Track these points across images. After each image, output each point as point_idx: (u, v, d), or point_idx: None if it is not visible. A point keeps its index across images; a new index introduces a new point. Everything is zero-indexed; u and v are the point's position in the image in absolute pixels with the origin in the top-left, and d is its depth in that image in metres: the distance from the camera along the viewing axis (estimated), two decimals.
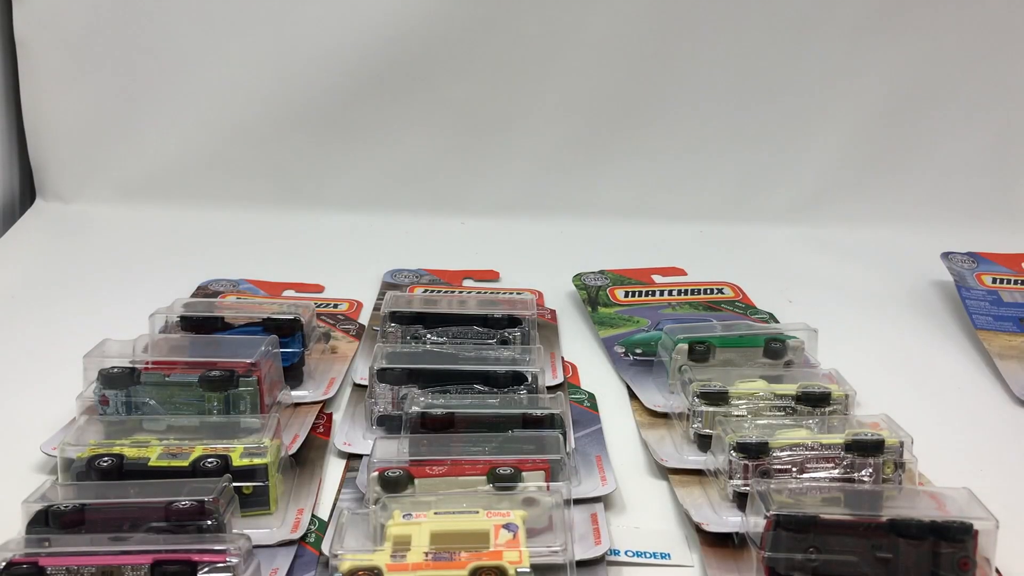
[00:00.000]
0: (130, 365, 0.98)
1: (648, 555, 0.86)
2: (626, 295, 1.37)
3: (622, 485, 0.96)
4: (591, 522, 0.88)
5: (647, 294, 1.38)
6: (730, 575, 0.82)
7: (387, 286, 1.43)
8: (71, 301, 1.39)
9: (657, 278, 1.43)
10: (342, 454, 1.00)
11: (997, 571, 0.83)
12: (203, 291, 1.39)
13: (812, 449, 0.90)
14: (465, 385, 1.01)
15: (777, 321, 1.31)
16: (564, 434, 0.93)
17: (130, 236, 1.64)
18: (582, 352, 1.25)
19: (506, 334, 1.15)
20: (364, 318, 1.34)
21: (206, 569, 0.70)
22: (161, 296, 1.31)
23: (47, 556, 0.71)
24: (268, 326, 1.09)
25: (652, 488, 0.97)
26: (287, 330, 1.10)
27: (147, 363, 0.99)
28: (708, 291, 1.39)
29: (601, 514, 0.89)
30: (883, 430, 0.92)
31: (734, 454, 0.89)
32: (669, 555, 0.87)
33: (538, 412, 0.93)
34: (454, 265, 1.51)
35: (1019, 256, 1.48)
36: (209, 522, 0.77)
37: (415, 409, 0.94)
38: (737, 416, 0.99)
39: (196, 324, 1.10)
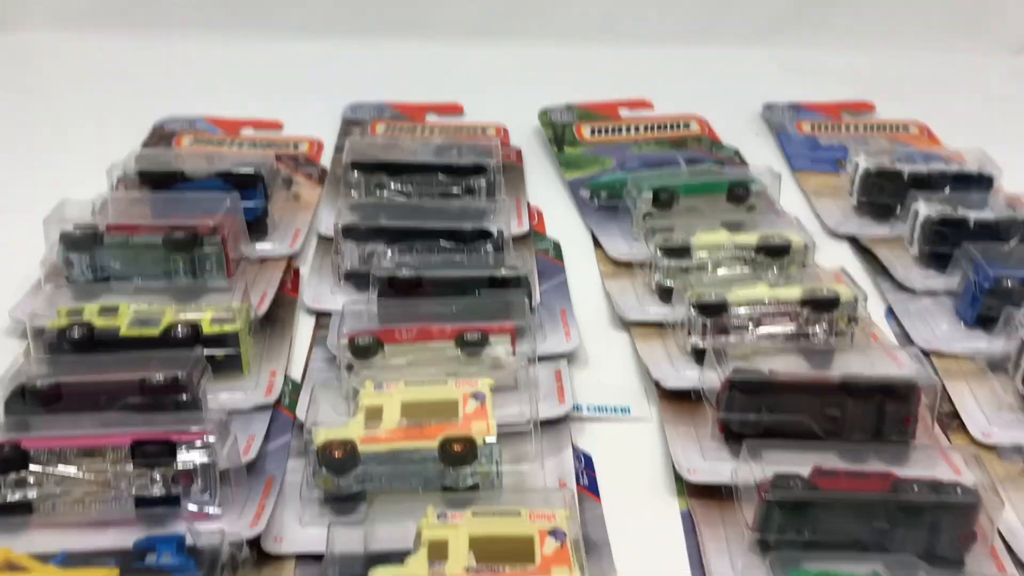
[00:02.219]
0: (92, 227, 0.98)
1: (609, 410, 0.91)
2: (592, 133, 1.36)
3: (585, 338, 0.99)
4: (555, 379, 0.91)
5: (614, 131, 1.36)
6: (686, 427, 0.87)
7: (348, 123, 1.41)
8: (19, 146, 1.35)
9: (624, 112, 1.42)
10: (312, 311, 1.02)
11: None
12: (159, 132, 1.35)
13: (769, 305, 0.93)
14: (431, 242, 1.02)
15: (743, 160, 1.31)
16: (530, 295, 0.95)
17: (76, 68, 1.57)
18: (548, 196, 1.25)
19: (471, 183, 1.15)
20: (326, 159, 1.32)
21: (184, 448, 0.73)
22: (116, 138, 1.30)
23: (29, 438, 0.73)
24: (229, 181, 1.08)
25: (614, 341, 1.00)
26: (249, 184, 1.09)
27: (108, 225, 0.98)
28: (674, 127, 1.38)
29: (565, 371, 0.93)
30: (840, 284, 0.95)
31: (693, 311, 0.92)
32: (629, 409, 0.91)
33: (504, 273, 0.95)
34: (416, 96, 1.48)
35: (838, 105, 1.49)
36: (184, 397, 0.79)
37: (383, 271, 0.94)
38: (698, 268, 1.02)
39: (155, 180, 1.08)
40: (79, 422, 0.75)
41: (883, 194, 1.18)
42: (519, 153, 1.34)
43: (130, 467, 0.73)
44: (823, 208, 1.22)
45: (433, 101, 1.46)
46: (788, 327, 0.93)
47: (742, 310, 0.93)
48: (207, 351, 0.86)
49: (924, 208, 1.09)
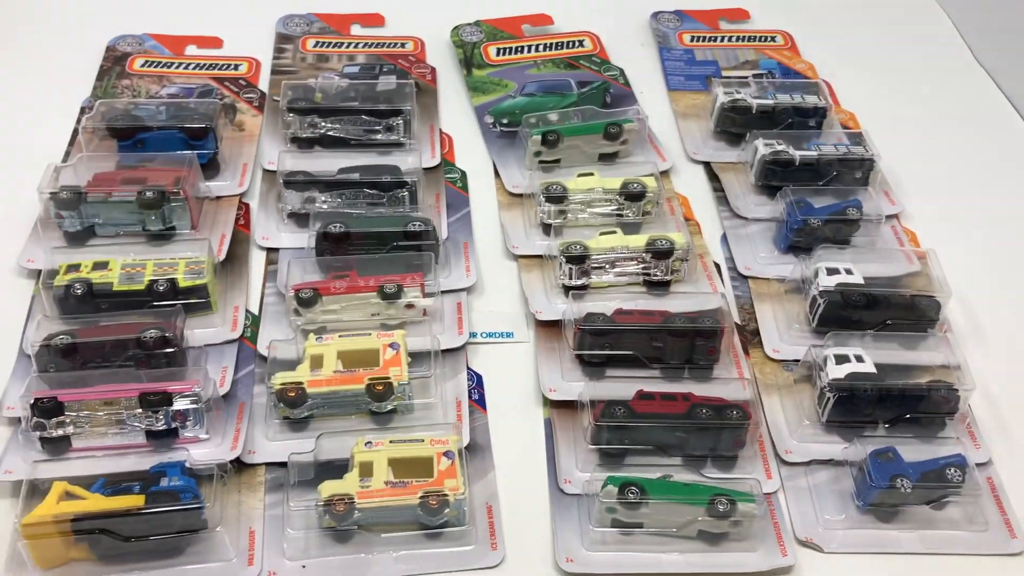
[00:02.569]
0: (76, 188, 1.19)
1: (497, 335, 1.18)
2: (498, 53, 1.55)
3: (483, 267, 1.25)
4: (456, 311, 1.18)
5: (516, 51, 1.55)
6: (553, 352, 1.15)
7: (280, 37, 1.57)
8: None
9: (527, 28, 1.60)
10: (262, 247, 1.26)
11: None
12: (112, 53, 1.51)
13: (621, 251, 1.19)
14: (357, 189, 1.25)
15: (627, 81, 1.52)
16: (435, 246, 1.19)
17: None
18: (458, 121, 1.46)
19: (390, 122, 1.35)
20: (263, 81, 1.50)
21: (178, 396, 1.00)
22: (73, 64, 1.47)
23: (63, 393, 0.99)
24: (185, 132, 1.28)
25: (505, 269, 1.25)
26: (201, 133, 1.29)
27: (89, 186, 1.19)
28: (570, 44, 1.57)
29: (464, 303, 1.20)
30: (676, 233, 1.21)
31: (563, 260, 1.18)
32: (512, 334, 1.19)
33: (415, 228, 1.19)
34: (342, 6, 1.63)
35: (717, 12, 1.68)
36: (171, 348, 1.05)
37: (318, 227, 1.18)
38: (573, 207, 1.26)
39: (120, 132, 1.28)
40: (96, 377, 1.02)
41: (735, 125, 1.41)
42: (434, 72, 1.53)
43: (139, 411, 1.00)
44: (687, 132, 1.45)
45: (357, 11, 1.62)
46: (636, 268, 1.20)
47: (601, 257, 1.19)
48: (183, 301, 1.12)
49: (761, 147, 1.34)
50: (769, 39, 1.62)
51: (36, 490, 0.95)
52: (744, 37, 1.62)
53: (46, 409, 0.99)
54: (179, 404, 1.00)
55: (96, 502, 0.92)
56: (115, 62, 1.50)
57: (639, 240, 1.20)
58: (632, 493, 0.97)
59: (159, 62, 1.50)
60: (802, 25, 1.67)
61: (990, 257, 1.32)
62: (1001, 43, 1.63)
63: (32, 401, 0.99)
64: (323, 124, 1.35)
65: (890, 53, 1.66)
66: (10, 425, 1.04)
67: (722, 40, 1.61)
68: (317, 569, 0.96)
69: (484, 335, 1.18)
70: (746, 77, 1.54)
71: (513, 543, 0.99)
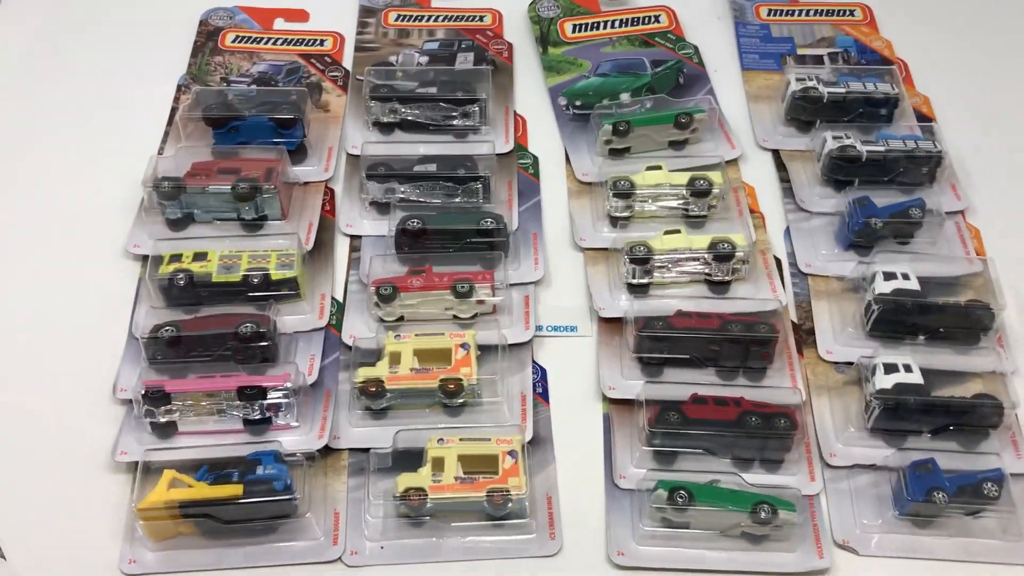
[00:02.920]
0: (177, 179, 1.28)
1: (561, 328, 1.26)
2: (574, 29, 1.57)
3: (551, 257, 1.32)
4: (524, 305, 1.26)
5: (592, 27, 1.57)
6: (614, 347, 1.22)
7: (364, 11, 1.62)
8: (79, 64, 1.55)
9: (603, 3, 1.61)
10: (346, 235, 1.34)
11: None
12: (205, 28, 1.58)
13: (684, 252, 1.25)
14: (434, 182, 1.32)
15: (701, 60, 1.53)
16: (506, 247, 1.26)
17: None
18: (532, 103, 1.50)
19: (466, 109, 1.40)
20: (347, 58, 1.56)
21: (271, 390, 1.11)
22: (168, 38, 1.56)
23: (170, 383, 1.11)
24: (275, 122, 1.36)
25: (571, 262, 1.31)
26: (290, 123, 1.36)
27: (187, 178, 1.29)
28: (645, 20, 1.58)
29: (532, 296, 1.27)
30: (738, 235, 1.25)
31: (626, 259, 1.24)
32: (576, 328, 1.26)
33: (487, 225, 1.26)
34: None
35: None
36: (266, 342, 1.15)
37: (397, 223, 1.26)
38: (641, 201, 1.31)
39: (215, 121, 1.36)
40: (197, 368, 1.13)
41: (805, 113, 1.43)
42: (511, 49, 1.56)
43: (237, 402, 1.11)
44: (758, 116, 1.47)
45: None
46: (698, 267, 1.25)
47: (664, 256, 1.25)
48: (274, 291, 1.22)
49: (829, 140, 1.35)
50: (848, 13, 1.61)
51: (148, 471, 1.08)
52: (821, 11, 1.61)
53: (155, 398, 1.11)
54: (272, 397, 1.12)
55: (200, 490, 1.04)
56: (208, 37, 1.57)
57: (702, 241, 1.25)
58: (680, 497, 1.05)
59: (249, 37, 1.57)
60: None
61: None
62: None
63: (143, 391, 1.11)
64: (403, 110, 1.41)
65: (975, 28, 1.63)
66: (123, 406, 1.17)
67: (799, 14, 1.60)
68: (393, 550, 1.08)
69: (549, 328, 1.26)
70: (821, 56, 1.55)
71: (569, 534, 1.09)
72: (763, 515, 1.05)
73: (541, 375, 1.21)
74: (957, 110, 1.50)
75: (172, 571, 1.06)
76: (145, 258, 1.27)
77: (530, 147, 1.45)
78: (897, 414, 1.13)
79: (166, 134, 1.44)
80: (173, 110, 1.46)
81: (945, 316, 1.21)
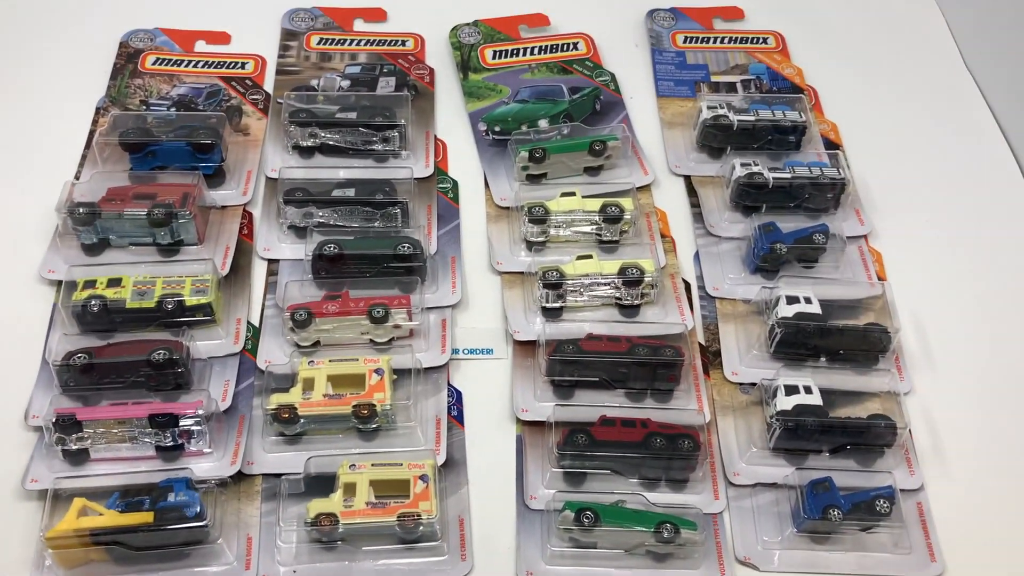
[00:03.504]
0: (91, 205, 1.28)
1: (478, 351, 1.28)
2: (494, 56, 1.60)
3: (467, 282, 1.34)
4: (441, 328, 1.28)
5: (512, 54, 1.60)
6: (528, 370, 1.25)
7: (286, 34, 1.63)
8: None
9: (523, 29, 1.64)
10: (263, 258, 1.35)
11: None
12: (125, 49, 1.58)
13: (595, 276, 1.28)
14: (352, 207, 1.33)
15: (617, 87, 1.57)
16: (423, 272, 1.29)
17: None
18: (453, 128, 1.52)
19: (386, 134, 1.42)
20: (268, 81, 1.56)
21: (183, 416, 1.11)
22: (88, 60, 1.55)
23: (81, 410, 1.11)
24: (193, 146, 1.36)
25: (488, 285, 1.34)
26: (208, 147, 1.37)
27: (102, 204, 1.29)
28: (564, 47, 1.61)
29: (449, 319, 1.29)
30: (647, 260, 1.29)
31: (540, 284, 1.27)
32: (492, 350, 1.28)
33: (404, 251, 1.28)
34: (347, 0, 1.68)
35: (712, 11, 1.71)
36: (177, 368, 1.16)
37: (314, 248, 1.27)
38: (555, 227, 1.34)
39: (132, 146, 1.37)
40: (110, 395, 1.13)
41: (716, 140, 1.47)
42: (432, 74, 1.58)
43: (149, 429, 1.11)
44: (671, 142, 1.51)
45: (360, 5, 1.67)
46: (608, 291, 1.29)
47: (576, 281, 1.28)
48: (189, 318, 1.22)
49: (738, 168, 1.40)
50: (761, 40, 1.66)
51: (59, 498, 1.08)
52: (736, 39, 1.66)
53: (66, 425, 1.11)
54: (184, 423, 1.12)
55: (111, 518, 1.04)
56: (128, 59, 1.57)
57: (612, 266, 1.29)
58: (587, 518, 1.08)
59: (169, 59, 1.57)
60: (796, 24, 1.70)
61: (952, 281, 1.39)
62: (993, 54, 1.65)
63: (54, 419, 1.10)
64: (323, 134, 1.43)
65: (881, 57, 1.69)
66: (34, 432, 1.16)
67: (714, 42, 1.65)
68: (306, 574, 1.09)
69: (466, 351, 1.28)
70: (734, 83, 1.60)
71: (481, 555, 1.12)
72: (666, 534, 1.08)
73: (456, 398, 1.23)
74: (864, 137, 1.55)
75: None
76: (60, 283, 1.27)
77: (450, 171, 1.47)
78: (797, 434, 1.17)
79: (84, 158, 1.43)
80: (91, 133, 1.46)
81: (844, 338, 1.26)
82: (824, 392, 1.20)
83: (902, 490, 1.16)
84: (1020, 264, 1.41)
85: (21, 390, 1.20)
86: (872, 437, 1.18)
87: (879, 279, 1.36)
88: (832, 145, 1.52)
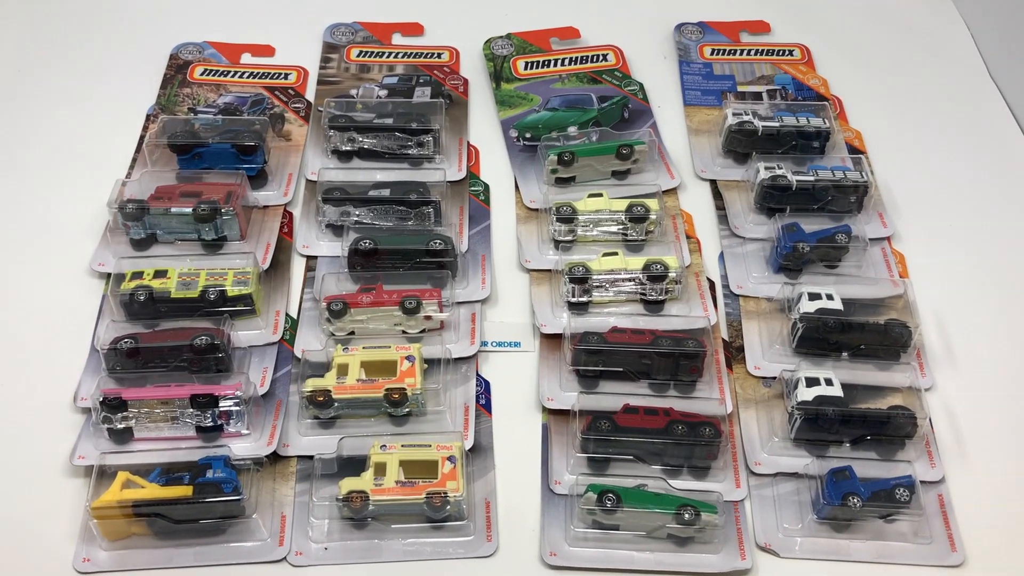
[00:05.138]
0: (141, 202, 1.35)
1: (505, 344, 1.32)
2: (526, 67, 1.65)
3: (498, 277, 1.39)
4: (471, 321, 1.32)
5: (543, 64, 1.66)
6: (554, 361, 1.29)
7: (327, 47, 1.70)
8: (56, 92, 1.63)
9: (555, 42, 1.70)
10: (302, 255, 1.41)
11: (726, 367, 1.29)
12: (175, 62, 1.66)
13: (620, 272, 1.32)
14: (387, 206, 1.39)
15: (646, 96, 1.62)
16: (454, 267, 1.33)
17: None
18: (485, 134, 1.58)
19: (421, 139, 1.48)
20: (310, 91, 1.63)
21: (223, 398, 1.16)
22: (141, 70, 1.63)
23: (127, 390, 1.16)
24: (237, 148, 1.43)
25: (517, 282, 1.39)
26: (251, 150, 1.43)
27: (150, 200, 1.36)
28: (594, 58, 1.67)
29: (478, 314, 1.33)
30: (671, 257, 1.32)
31: (566, 279, 1.31)
32: (519, 343, 1.32)
33: (436, 246, 1.33)
34: (385, 14, 1.75)
35: (738, 24, 1.75)
36: (219, 353, 1.21)
37: (349, 244, 1.32)
38: (583, 226, 1.38)
39: (180, 147, 1.44)
40: (154, 378, 1.19)
41: (741, 145, 1.51)
42: (466, 84, 1.64)
43: (190, 409, 1.17)
44: (698, 148, 1.55)
45: (399, 20, 1.74)
46: (633, 287, 1.32)
47: (601, 276, 1.32)
48: (230, 307, 1.28)
49: (762, 171, 1.43)
50: (787, 53, 1.70)
51: (104, 474, 1.13)
52: (762, 51, 1.70)
53: (112, 405, 1.16)
54: (224, 404, 1.17)
55: (152, 491, 1.10)
56: (177, 70, 1.65)
57: (637, 262, 1.32)
58: (609, 500, 1.11)
59: (216, 70, 1.65)
60: (821, 37, 1.74)
61: (974, 282, 1.41)
62: (1017, 62, 1.67)
63: (101, 398, 1.16)
64: (360, 139, 1.49)
65: (905, 67, 1.72)
66: (83, 414, 1.22)
67: (741, 54, 1.70)
68: (336, 551, 1.13)
69: (494, 344, 1.32)
70: (760, 93, 1.64)
71: (506, 536, 1.15)
72: (687, 516, 1.11)
73: (485, 387, 1.27)
74: (888, 144, 1.58)
75: (124, 569, 1.11)
76: (109, 276, 1.34)
77: (482, 175, 1.52)
78: (818, 424, 1.19)
79: (134, 160, 1.51)
80: (142, 137, 1.54)
81: (865, 334, 1.28)
82: (845, 387, 1.22)
83: (923, 482, 1.18)
84: None
85: (71, 375, 1.26)
86: (892, 428, 1.20)
87: (902, 279, 1.38)
88: (856, 152, 1.55)
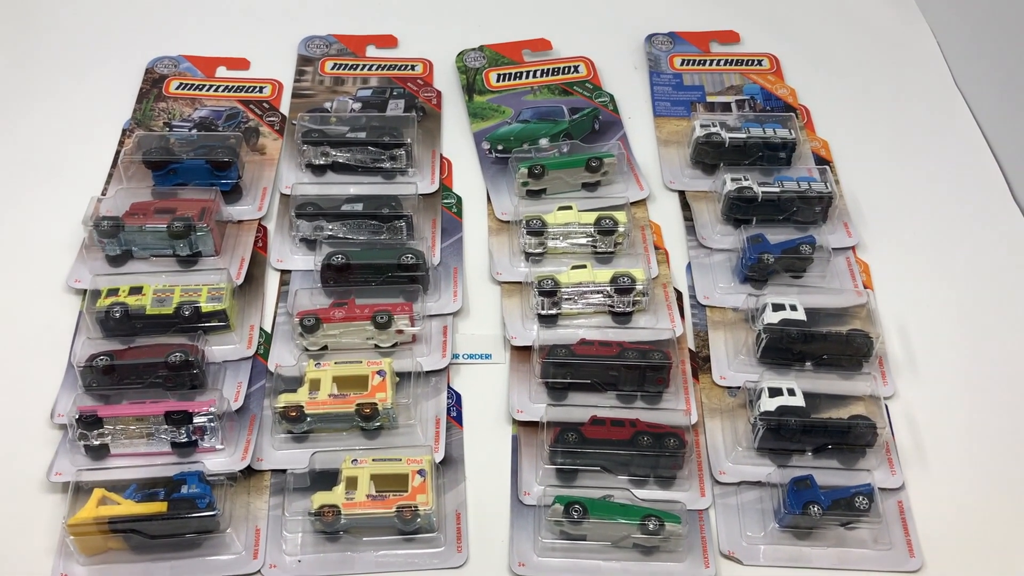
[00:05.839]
0: (115, 219, 1.37)
1: (477, 356, 1.34)
2: (498, 79, 1.68)
3: (468, 291, 1.41)
4: (442, 334, 1.35)
5: (515, 76, 1.68)
6: (524, 373, 1.31)
7: (302, 59, 1.72)
8: (30, 107, 1.64)
9: (526, 54, 1.72)
10: (276, 269, 1.43)
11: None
12: (151, 75, 1.67)
13: (588, 285, 1.34)
14: (360, 220, 1.41)
15: (616, 107, 1.64)
16: (425, 281, 1.35)
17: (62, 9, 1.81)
18: (458, 146, 1.60)
19: (394, 152, 1.50)
20: (285, 104, 1.65)
21: (197, 414, 1.18)
22: (116, 84, 1.65)
23: (102, 408, 1.18)
24: (211, 164, 1.45)
25: (488, 294, 1.41)
26: (226, 165, 1.45)
27: (125, 217, 1.37)
28: (565, 70, 1.69)
29: (450, 326, 1.36)
30: (637, 270, 1.35)
31: (535, 292, 1.33)
32: (491, 355, 1.35)
33: (408, 261, 1.35)
34: (359, 26, 1.77)
35: (708, 34, 1.78)
36: (193, 370, 1.23)
37: (322, 258, 1.35)
38: (552, 239, 1.41)
39: (154, 164, 1.45)
40: (130, 394, 1.21)
41: (709, 157, 1.53)
42: (439, 96, 1.66)
43: (165, 426, 1.19)
44: (667, 159, 1.58)
45: (372, 32, 1.76)
46: (601, 299, 1.35)
47: (570, 288, 1.34)
48: (205, 323, 1.30)
49: (728, 182, 1.46)
50: (756, 63, 1.73)
51: (80, 490, 1.15)
52: (731, 61, 1.73)
53: (88, 422, 1.18)
54: (198, 420, 1.19)
55: (127, 507, 1.12)
56: (153, 84, 1.66)
57: (605, 275, 1.35)
58: (575, 511, 1.14)
59: (192, 84, 1.66)
60: (790, 46, 1.76)
61: (937, 291, 1.43)
62: (982, 73, 1.71)
63: (77, 415, 1.18)
64: (333, 153, 1.51)
65: (872, 76, 1.75)
66: (60, 430, 1.24)
67: (710, 64, 1.72)
68: (310, 563, 1.15)
69: (465, 356, 1.34)
70: (729, 103, 1.66)
71: (476, 547, 1.17)
72: (651, 526, 1.14)
73: (456, 400, 1.30)
74: (853, 153, 1.61)
75: None
76: (85, 292, 1.36)
77: (455, 188, 1.54)
78: (780, 434, 1.22)
79: (110, 176, 1.52)
80: (117, 152, 1.55)
81: (828, 344, 1.31)
82: (809, 396, 1.25)
83: (884, 489, 1.21)
84: (1002, 275, 1.46)
85: (48, 391, 1.28)
86: (853, 437, 1.22)
87: (865, 288, 1.41)
88: (823, 161, 1.58)
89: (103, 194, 1.49)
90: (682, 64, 1.73)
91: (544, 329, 1.33)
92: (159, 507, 1.12)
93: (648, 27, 1.79)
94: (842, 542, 1.18)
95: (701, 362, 1.34)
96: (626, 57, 1.75)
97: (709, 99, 1.67)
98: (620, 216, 1.42)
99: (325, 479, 1.18)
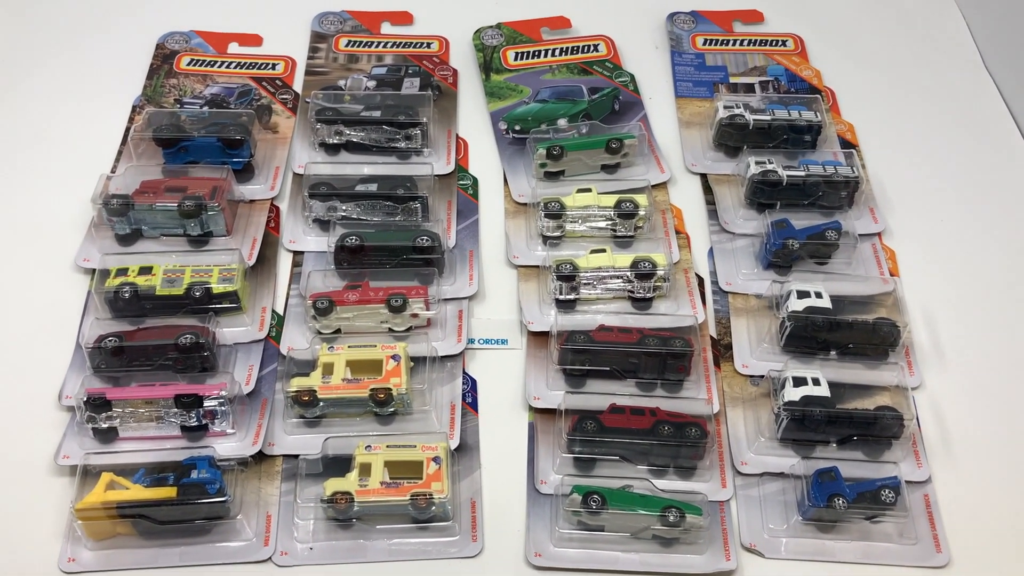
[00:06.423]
0: (125, 197, 1.34)
1: (492, 342, 1.31)
2: (516, 57, 1.64)
3: (484, 275, 1.38)
4: (457, 318, 1.32)
5: (534, 55, 1.64)
6: (541, 359, 1.28)
7: (315, 36, 1.68)
8: (39, 84, 1.61)
9: (545, 32, 1.68)
10: (289, 250, 1.40)
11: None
12: (162, 51, 1.64)
13: (608, 270, 1.31)
14: (375, 201, 1.38)
15: (636, 88, 1.60)
16: (440, 264, 1.32)
17: None
18: (475, 126, 1.56)
19: (408, 132, 1.47)
20: (298, 82, 1.62)
21: (208, 397, 1.16)
22: (127, 60, 1.62)
23: (111, 390, 1.16)
24: (223, 142, 1.41)
25: (504, 278, 1.38)
26: (238, 143, 1.42)
27: (135, 196, 1.34)
28: (585, 48, 1.65)
29: (466, 310, 1.33)
30: (660, 254, 1.32)
31: (553, 276, 1.30)
32: (507, 341, 1.32)
33: (423, 243, 1.32)
34: (374, 3, 1.73)
35: (732, 13, 1.73)
36: (204, 352, 1.20)
37: (336, 239, 1.31)
38: (571, 222, 1.37)
39: (165, 141, 1.42)
40: (139, 376, 1.18)
41: (732, 139, 1.50)
42: (455, 75, 1.63)
43: (174, 409, 1.16)
44: (688, 141, 1.54)
45: (387, 9, 1.72)
46: (621, 284, 1.32)
47: (589, 273, 1.31)
48: (216, 304, 1.27)
49: (752, 166, 1.42)
50: (780, 43, 1.68)
51: (88, 474, 1.13)
52: (755, 41, 1.68)
53: (96, 405, 1.16)
54: (208, 404, 1.17)
55: (136, 492, 1.09)
56: (164, 60, 1.63)
57: (625, 260, 1.31)
58: (593, 502, 1.11)
59: (203, 60, 1.63)
60: (815, 27, 1.72)
61: (965, 279, 1.40)
62: (1014, 56, 1.66)
63: (85, 398, 1.16)
64: (348, 132, 1.48)
65: (900, 59, 1.71)
66: (68, 412, 1.22)
67: (733, 44, 1.68)
68: (322, 551, 1.13)
69: (481, 341, 1.31)
70: (752, 84, 1.62)
71: (491, 536, 1.15)
72: (671, 518, 1.11)
73: (471, 385, 1.27)
74: (880, 137, 1.57)
75: (110, 569, 1.11)
76: (94, 272, 1.33)
77: (471, 169, 1.51)
78: (804, 424, 1.19)
79: (120, 153, 1.50)
80: (127, 130, 1.52)
81: (854, 332, 1.27)
82: (833, 385, 1.22)
83: (909, 482, 1.18)
84: None
85: (56, 373, 1.25)
86: (879, 428, 1.19)
87: (892, 276, 1.37)
88: (848, 145, 1.54)
89: (112, 172, 1.46)
90: (704, 44, 1.68)
91: (562, 314, 1.30)
92: (168, 492, 1.09)
93: (670, 5, 1.74)
94: (866, 536, 1.15)
95: (723, 350, 1.31)
96: (647, 36, 1.71)
97: (732, 80, 1.63)
98: (641, 199, 1.38)
99: (338, 465, 1.15)
